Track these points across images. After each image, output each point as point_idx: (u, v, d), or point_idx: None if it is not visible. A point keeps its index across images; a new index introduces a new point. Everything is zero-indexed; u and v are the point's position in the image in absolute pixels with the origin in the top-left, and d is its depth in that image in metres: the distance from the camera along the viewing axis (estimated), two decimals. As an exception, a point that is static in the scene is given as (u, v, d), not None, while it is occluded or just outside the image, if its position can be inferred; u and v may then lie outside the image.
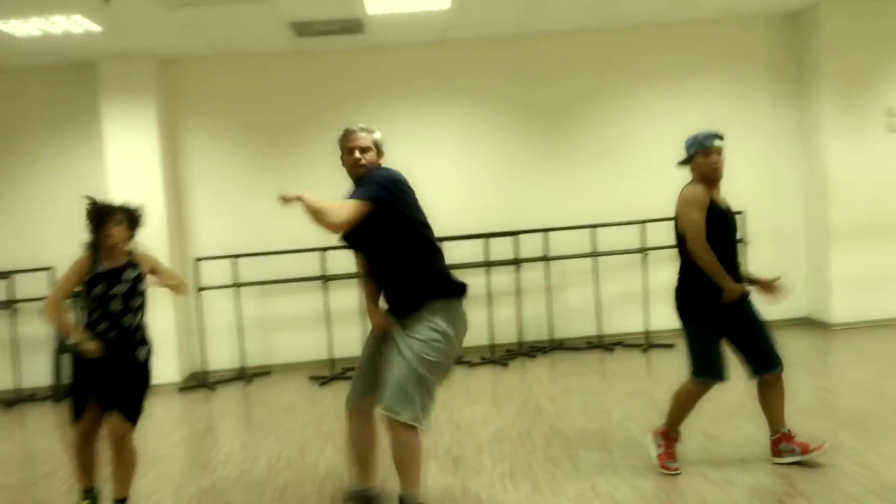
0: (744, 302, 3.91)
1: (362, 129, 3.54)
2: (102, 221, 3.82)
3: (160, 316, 7.05)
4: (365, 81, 7.38)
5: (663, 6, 6.79)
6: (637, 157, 7.50)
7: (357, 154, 3.48)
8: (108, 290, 3.81)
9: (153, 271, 4.03)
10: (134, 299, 3.88)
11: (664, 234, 7.16)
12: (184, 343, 7.20)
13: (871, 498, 3.42)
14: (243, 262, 7.12)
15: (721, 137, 3.91)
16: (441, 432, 4.93)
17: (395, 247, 3.43)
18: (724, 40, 7.53)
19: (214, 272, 7.15)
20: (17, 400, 6.87)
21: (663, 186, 7.42)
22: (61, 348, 6.70)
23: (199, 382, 7.00)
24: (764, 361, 3.92)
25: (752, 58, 7.57)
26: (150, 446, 5.13)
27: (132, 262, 3.92)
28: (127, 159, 6.97)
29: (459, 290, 3.50)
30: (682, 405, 4.02)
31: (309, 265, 7.15)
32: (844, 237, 7.30)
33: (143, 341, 3.93)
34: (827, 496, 3.49)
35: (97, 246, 3.86)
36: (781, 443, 3.93)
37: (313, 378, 6.90)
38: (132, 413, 3.79)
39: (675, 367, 6.11)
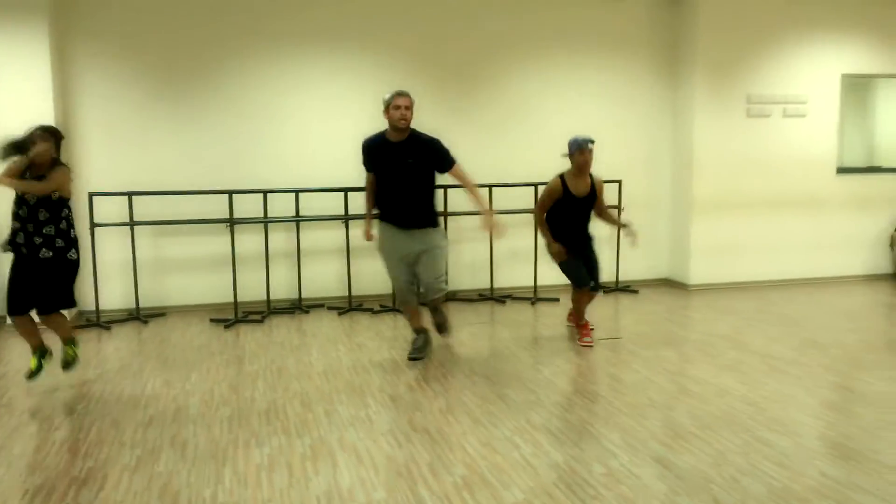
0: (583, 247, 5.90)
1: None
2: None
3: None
4: (273, 22, 7.32)
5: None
6: (532, 122, 7.99)
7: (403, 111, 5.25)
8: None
9: None
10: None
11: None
12: (72, 280, 6.93)
13: (764, 430, 4.10)
14: (139, 201, 6.94)
15: (593, 142, 5.67)
16: (370, 374, 5.22)
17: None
18: (613, 19, 8.12)
19: (108, 209, 6.93)
20: None
21: (555, 149, 8.00)
22: None
23: (91, 321, 6.81)
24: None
25: (636, 38, 8.23)
26: (66, 381, 5.07)
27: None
28: (15, 81, 6.54)
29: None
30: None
31: (209, 207, 7.10)
32: (704, 208, 8.21)
33: None
34: (729, 430, 4.12)
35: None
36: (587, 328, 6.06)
37: (215, 321, 6.91)
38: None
39: (559, 317, 6.70)
